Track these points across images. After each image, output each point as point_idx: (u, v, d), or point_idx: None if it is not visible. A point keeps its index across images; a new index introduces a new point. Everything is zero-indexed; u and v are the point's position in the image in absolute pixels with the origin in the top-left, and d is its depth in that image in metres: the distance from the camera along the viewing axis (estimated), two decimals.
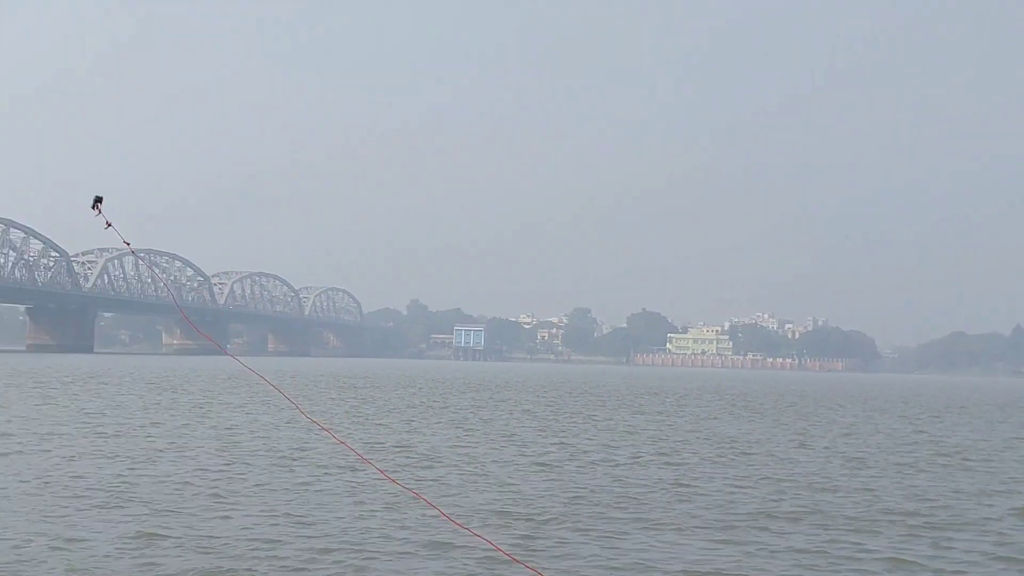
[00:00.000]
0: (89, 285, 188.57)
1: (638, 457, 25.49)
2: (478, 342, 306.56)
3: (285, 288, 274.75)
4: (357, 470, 20.59)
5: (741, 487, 20.34)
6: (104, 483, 18.21)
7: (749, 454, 27.29)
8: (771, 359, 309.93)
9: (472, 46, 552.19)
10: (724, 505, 18.01)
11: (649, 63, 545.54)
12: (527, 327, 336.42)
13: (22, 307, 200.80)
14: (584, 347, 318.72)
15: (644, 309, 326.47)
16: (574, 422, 37.76)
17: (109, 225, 9.13)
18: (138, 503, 16.33)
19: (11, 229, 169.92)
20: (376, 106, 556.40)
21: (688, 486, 20.21)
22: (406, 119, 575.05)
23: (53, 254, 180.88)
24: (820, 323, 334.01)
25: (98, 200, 8.58)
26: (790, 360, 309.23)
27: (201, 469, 20.53)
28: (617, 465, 23.52)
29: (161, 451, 23.48)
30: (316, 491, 18.04)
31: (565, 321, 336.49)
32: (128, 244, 9.74)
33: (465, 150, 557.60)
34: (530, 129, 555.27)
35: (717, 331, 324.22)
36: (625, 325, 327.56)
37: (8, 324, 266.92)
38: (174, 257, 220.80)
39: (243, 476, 19.65)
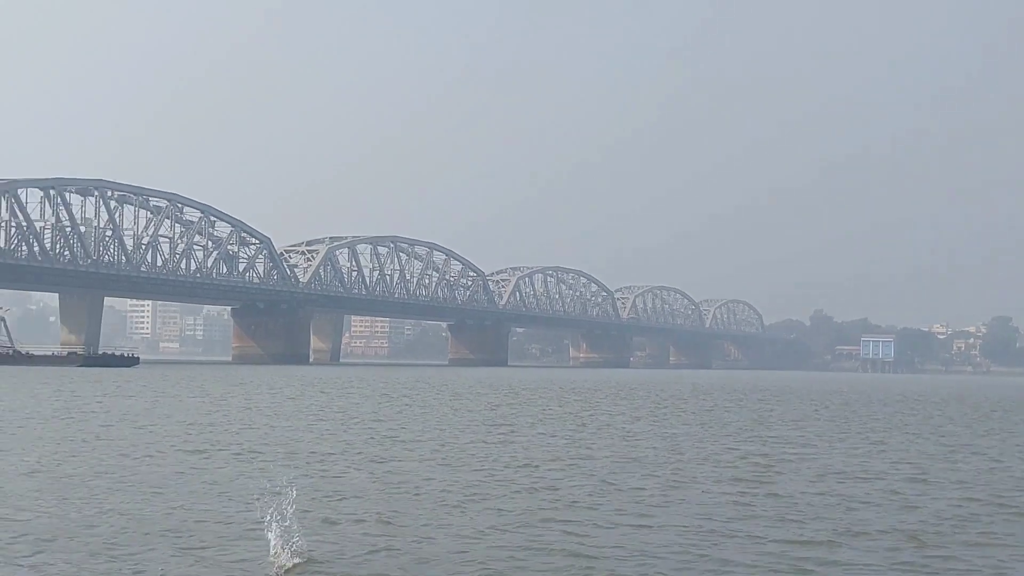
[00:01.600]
0: (503, 302, 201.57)
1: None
2: (887, 353, 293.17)
3: (686, 301, 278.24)
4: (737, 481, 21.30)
5: None
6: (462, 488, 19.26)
7: None
8: None
9: None
10: None
11: None
12: (941, 337, 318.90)
13: (444, 324, 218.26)
14: (1005, 358, 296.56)
15: None
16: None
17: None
18: (490, 508, 17.06)
19: (434, 252, 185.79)
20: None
21: None
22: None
23: (471, 274, 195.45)
24: None
25: None
26: None
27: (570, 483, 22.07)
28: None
29: (526, 459, 24.74)
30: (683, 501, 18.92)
31: (983, 331, 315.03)
32: None
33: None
34: None
35: None
36: None
37: (433, 340, 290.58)
38: (579, 274, 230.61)
39: (616, 488, 20.94)
